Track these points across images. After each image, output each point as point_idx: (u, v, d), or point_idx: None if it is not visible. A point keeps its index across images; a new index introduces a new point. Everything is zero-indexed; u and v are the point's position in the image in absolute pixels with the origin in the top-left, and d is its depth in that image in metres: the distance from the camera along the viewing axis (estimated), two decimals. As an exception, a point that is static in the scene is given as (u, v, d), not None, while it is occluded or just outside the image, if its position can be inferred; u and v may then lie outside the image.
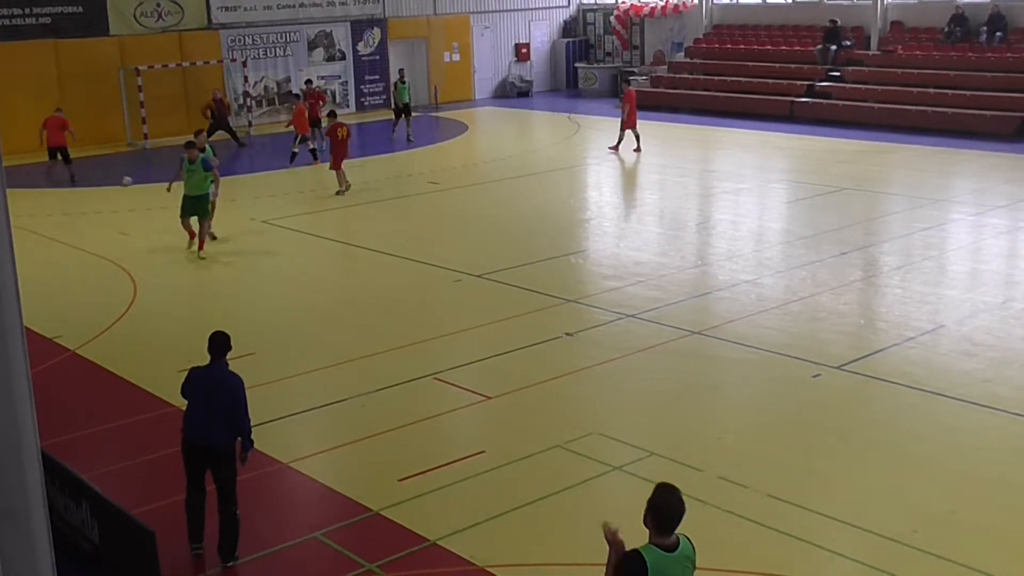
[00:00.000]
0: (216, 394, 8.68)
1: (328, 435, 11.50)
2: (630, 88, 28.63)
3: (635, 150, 27.69)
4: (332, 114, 25.15)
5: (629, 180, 25.50)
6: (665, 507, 5.83)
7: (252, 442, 8.93)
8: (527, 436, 11.09)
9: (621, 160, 27.33)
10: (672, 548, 5.83)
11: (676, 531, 5.86)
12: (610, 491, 10.08)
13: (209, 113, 30.31)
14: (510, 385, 12.47)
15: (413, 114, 31.49)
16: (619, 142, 27.89)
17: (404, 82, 31.04)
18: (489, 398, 12.15)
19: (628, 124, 27.59)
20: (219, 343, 8.88)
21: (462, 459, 10.60)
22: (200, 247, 18.56)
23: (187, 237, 18.78)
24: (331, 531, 9.37)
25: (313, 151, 27.89)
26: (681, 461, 10.44)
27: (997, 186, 22.81)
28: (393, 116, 31.69)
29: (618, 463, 10.40)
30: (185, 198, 18.44)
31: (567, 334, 14.14)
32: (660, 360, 13.23)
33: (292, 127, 28.30)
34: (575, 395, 12.39)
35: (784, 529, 9.14)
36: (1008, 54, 30.92)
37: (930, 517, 9.32)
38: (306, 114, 27.95)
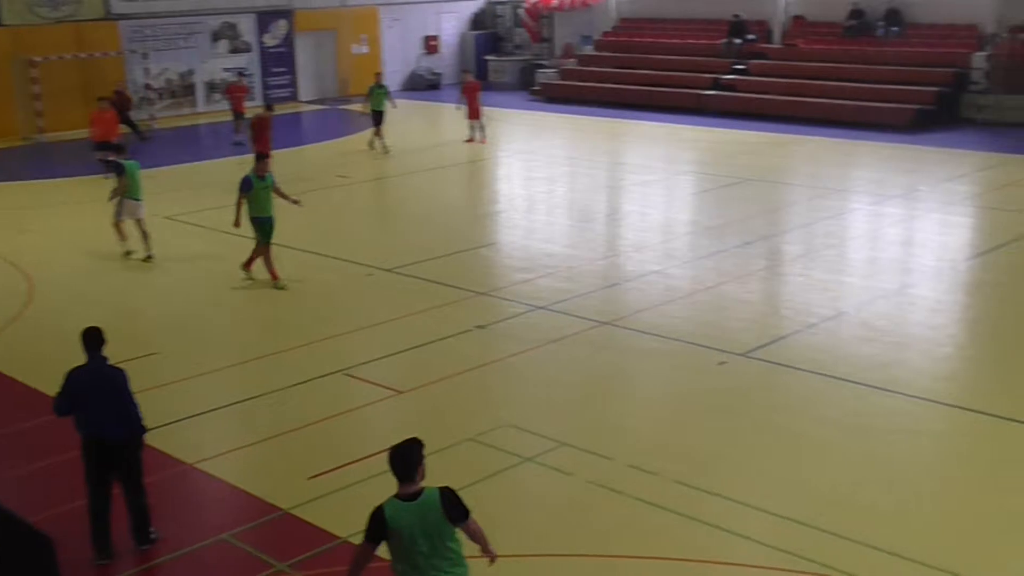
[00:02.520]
0: (103, 389, 8.62)
1: (236, 434, 11.36)
2: (469, 80, 29.30)
3: (467, 140, 28.39)
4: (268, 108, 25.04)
5: (539, 172, 25.57)
6: (394, 459, 6.44)
7: (145, 428, 8.89)
8: (439, 430, 11.06)
9: (530, 153, 27.44)
10: (413, 498, 6.34)
11: (419, 482, 6.40)
12: (523, 482, 10.13)
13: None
14: (422, 379, 12.45)
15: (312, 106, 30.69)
16: (472, 133, 28.47)
17: (381, 86, 27.75)
18: (400, 392, 12.11)
19: (470, 115, 28.22)
20: (94, 338, 8.79)
21: (373, 455, 10.51)
22: (248, 267, 16.37)
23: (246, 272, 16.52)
24: (240, 532, 9.27)
25: (239, 143, 28.14)
26: (592, 450, 10.53)
27: (894, 176, 23.38)
28: (374, 125, 27.69)
29: (530, 454, 10.45)
30: (258, 221, 15.96)
31: (478, 327, 14.16)
32: (571, 351, 13.32)
33: (93, 134, 24.54)
34: (487, 388, 12.42)
35: (693, 515, 9.27)
36: (904, 48, 31.68)
37: (834, 499, 9.53)
38: (118, 120, 26.08)
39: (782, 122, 30.41)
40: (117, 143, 21.38)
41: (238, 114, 29.17)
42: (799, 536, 8.87)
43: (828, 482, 9.87)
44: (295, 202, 16.77)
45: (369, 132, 27.78)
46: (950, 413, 11.39)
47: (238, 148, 27.47)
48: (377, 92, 27.44)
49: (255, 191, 15.88)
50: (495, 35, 43.37)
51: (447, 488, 6.49)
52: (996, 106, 29.56)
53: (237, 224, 16.09)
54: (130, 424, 8.69)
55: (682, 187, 23.53)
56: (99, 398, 8.60)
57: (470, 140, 28.38)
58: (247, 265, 16.32)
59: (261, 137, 23.71)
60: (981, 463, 10.34)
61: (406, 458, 6.43)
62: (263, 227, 16.01)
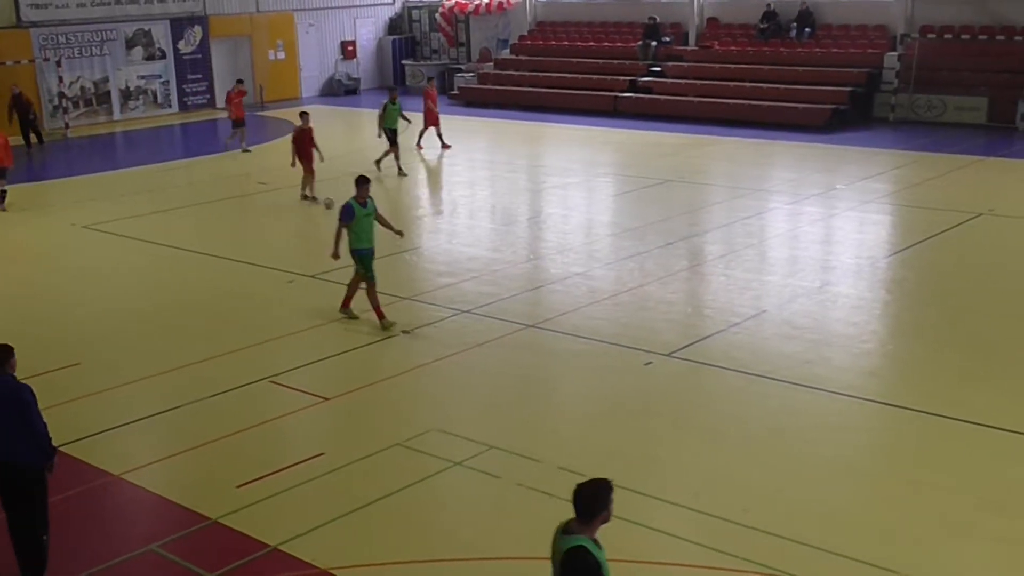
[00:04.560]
0: (7, 406, 8.19)
1: (161, 444, 11.20)
2: (428, 87, 28.90)
3: (443, 147, 28.03)
4: (304, 114, 22.86)
5: (460, 177, 25.58)
6: (577, 495, 5.94)
7: (55, 449, 8.46)
8: (366, 436, 11.05)
9: (448, 157, 27.41)
10: (567, 532, 5.97)
11: (589, 527, 5.94)
12: (451, 487, 10.14)
13: (13, 112, 29.11)
14: (348, 385, 12.40)
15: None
16: (439, 139, 28.16)
17: (395, 103, 25.20)
18: (327, 399, 12.04)
19: (428, 122, 27.92)
20: (1, 353, 8.34)
21: (301, 462, 10.49)
22: (347, 303, 14.70)
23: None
24: (168, 542, 9.14)
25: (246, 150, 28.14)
26: (520, 453, 10.57)
27: (811, 175, 23.81)
28: (388, 144, 25.30)
29: (458, 458, 10.45)
30: (360, 253, 14.25)
31: (404, 332, 14.12)
32: (496, 354, 13.35)
33: None
34: (413, 392, 12.39)
35: (622, 515, 9.21)
36: (817, 49, 32.32)
37: (759, 496, 9.67)
38: (8, 143, 22.48)
39: (698, 123, 30.79)
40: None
41: (238, 121, 28.36)
42: (727, 533, 8.98)
43: (754, 479, 10.01)
44: (399, 233, 15.15)
45: (382, 153, 25.31)
46: (873, 409, 11.61)
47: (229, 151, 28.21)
48: (391, 109, 25.14)
49: (357, 219, 14.18)
50: (412, 40, 43.35)
51: (574, 551, 5.83)
52: (908, 105, 30.28)
53: (336, 256, 14.36)
54: (38, 445, 8.24)
55: (602, 189, 23.71)
56: (2, 416, 8.18)
57: (446, 146, 27.94)
58: (345, 304, 14.68)
59: (305, 152, 22.14)
60: (905, 458, 10.54)
61: (590, 499, 5.92)
62: (365, 260, 14.30)
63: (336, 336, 14.03)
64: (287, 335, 14.21)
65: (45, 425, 8.39)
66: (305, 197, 22.13)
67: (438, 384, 12.68)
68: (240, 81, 29.90)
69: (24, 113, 29.49)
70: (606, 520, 5.95)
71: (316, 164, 22.30)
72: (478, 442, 10.81)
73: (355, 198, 14.26)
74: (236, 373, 12.78)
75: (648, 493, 9.71)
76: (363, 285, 14.48)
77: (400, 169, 24.97)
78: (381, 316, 14.22)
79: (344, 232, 14.27)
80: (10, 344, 8.50)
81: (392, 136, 25.13)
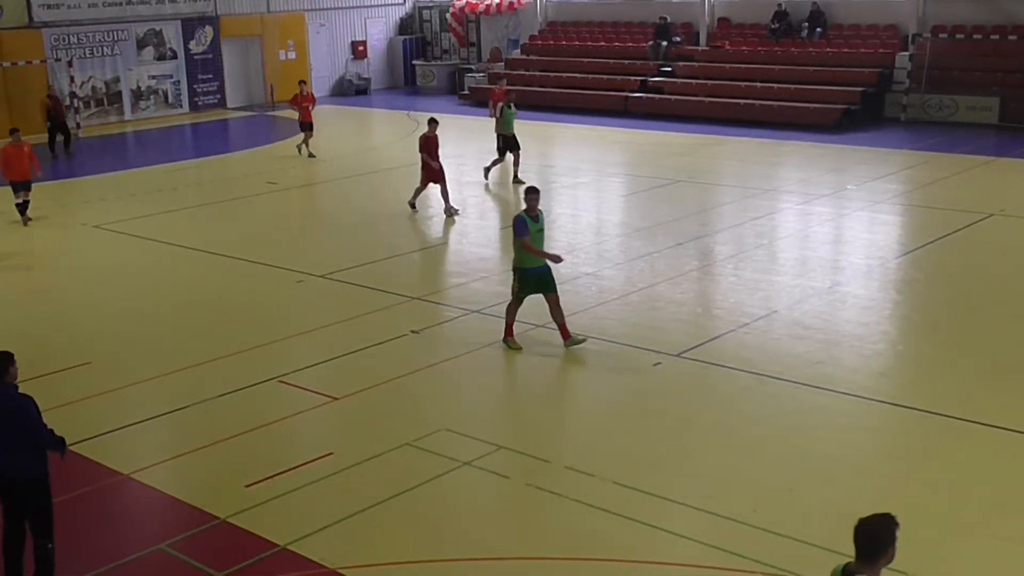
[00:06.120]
0: (5, 419, 8.02)
1: (170, 444, 11.22)
2: (497, 87, 27.97)
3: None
4: (433, 121, 21.22)
5: (470, 176, 25.55)
6: (860, 531, 5.58)
7: (63, 439, 8.28)
8: (375, 435, 11.05)
9: (457, 158, 27.41)
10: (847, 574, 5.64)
11: (872, 567, 5.59)
12: (460, 486, 10.13)
13: (47, 114, 29.03)
14: (357, 385, 12.39)
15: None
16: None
17: (511, 107, 24.05)
18: (336, 399, 12.05)
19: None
20: (1, 362, 8.10)
21: (310, 462, 10.49)
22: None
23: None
24: (177, 542, 9.15)
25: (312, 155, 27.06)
26: (529, 453, 10.56)
27: (821, 175, 23.74)
28: (497, 152, 24.29)
29: (467, 458, 10.45)
30: (528, 273, 13.17)
31: (413, 331, 14.12)
32: (505, 354, 13.32)
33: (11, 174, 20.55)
34: (422, 392, 12.39)
35: (631, 515, 9.33)
36: (828, 49, 32.24)
37: (769, 496, 9.65)
38: (33, 154, 20.81)
39: (709, 123, 30.72)
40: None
41: (305, 125, 27.29)
42: (735, 534, 8.96)
43: (763, 480, 9.97)
44: (557, 259, 13.57)
45: (491, 159, 24.43)
46: (882, 409, 11.57)
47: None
48: (508, 114, 23.92)
49: (530, 235, 13.04)
50: (422, 40, 43.38)
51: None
52: (919, 105, 30.18)
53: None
54: (42, 456, 8.12)
55: (612, 189, 23.68)
56: (2, 427, 8.02)
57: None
58: (508, 333, 13.49)
59: (435, 157, 20.86)
60: (914, 458, 10.51)
61: (873, 536, 5.51)
62: (531, 281, 13.18)
63: (345, 336, 14.03)
64: (296, 335, 14.22)
65: (50, 432, 8.23)
66: (413, 206, 21.16)
67: (447, 384, 12.67)
68: (303, 82, 28.44)
69: (56, 116, 29.34)
70: (890, 560, 5.54)
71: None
72: (487, 442, 10.80)
73: (526, 211, 13.10)
74: (245, 373, 12.80)
75: (657, 493, 9.69)
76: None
77: (516, 176, 23.79)
78: (567, 334, 13.24)
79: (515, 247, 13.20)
80: (10, 351, 8.26)
81: (510, 143, 24.03)
